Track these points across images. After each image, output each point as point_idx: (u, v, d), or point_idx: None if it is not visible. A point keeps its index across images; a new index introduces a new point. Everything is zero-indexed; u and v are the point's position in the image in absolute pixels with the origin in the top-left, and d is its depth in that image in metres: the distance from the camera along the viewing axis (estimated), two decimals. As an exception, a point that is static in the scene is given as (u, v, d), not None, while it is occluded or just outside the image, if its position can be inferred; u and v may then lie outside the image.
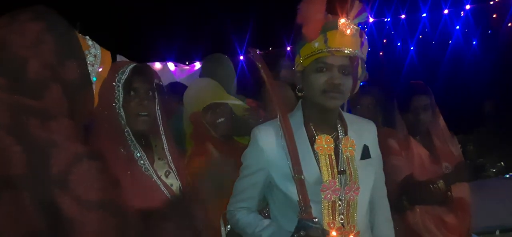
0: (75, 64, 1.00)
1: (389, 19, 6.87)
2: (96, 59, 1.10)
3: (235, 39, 6.72)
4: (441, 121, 2.35)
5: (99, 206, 0.88)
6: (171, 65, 5.94)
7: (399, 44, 7.52)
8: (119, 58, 5.29)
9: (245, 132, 2.08)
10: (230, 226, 1.76)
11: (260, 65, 1.48)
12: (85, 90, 1.03)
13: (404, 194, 1.73)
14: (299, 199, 1.37)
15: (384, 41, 7.42)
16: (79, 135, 0.94)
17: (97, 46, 1.11)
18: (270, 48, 7.08)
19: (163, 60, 6.03)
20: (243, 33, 6.55)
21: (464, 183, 2.23)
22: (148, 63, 5.82)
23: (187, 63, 6.53)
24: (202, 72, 2.51)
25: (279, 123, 1.48)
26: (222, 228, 1.80)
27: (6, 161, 0.82)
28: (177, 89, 2.87)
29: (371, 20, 6.42)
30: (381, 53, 7.23)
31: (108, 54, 1.15)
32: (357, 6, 1.46)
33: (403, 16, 6.75)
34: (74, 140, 0.90)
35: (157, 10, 6.81)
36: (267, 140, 1.52)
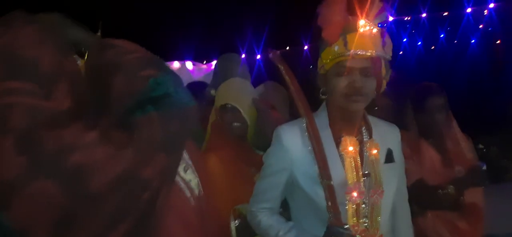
0: (72, 56, 1.01)
1: (410, 18, 6.77)
2: (77, 56, 1.11)
3: (253, 38, 6.72)
4: (454, 123, 2.30)
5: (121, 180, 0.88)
6: (189, 64, 5.99)
7: (419, 43, 7.40)
8: (138, 57, 5.37)
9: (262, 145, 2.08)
10: (241, 222, 1.78)
11: (282, 67, 1.47)
12: (82, 80, 1.03)
13: (414, 199, 1.71)
14: (328, 204, 1.36)
15: (404, 40, 7.31)
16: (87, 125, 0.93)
17: None
18: (287, 47, 7.07)
19: (181, 59, 6.08)
20: (261, 32, 6.54)
21: (478, 188, 2.17)
22: (167, 62, 5.93)
23: (204, 62, 6.58)
24: (215, 71, 2.56)
25: (304, 125, 1.47)
26: (232, 223, 1.80)
27: (6, 167, 0.82)
28: (194, 88, 2.88)
29: (390, 19, 6.34)
30: (400, 52, 7.14)
31: None
32: (377, 6, 1.43)
33: (424, 15, 6.65)
34: (84, 130, 0.89)
35: (175, 10, 6.87)
36: (291, 140, 1.50)
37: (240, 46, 6.26)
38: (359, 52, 1.39)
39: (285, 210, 1.65)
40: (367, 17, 1.42)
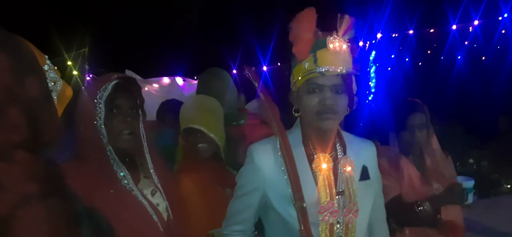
0: (35, 79, 0.92)
1: (397, 35, 6.87)
2: (57, 78, 1.03)
3: (243, 54, 6.74)
4: (435, 141, 2.29)
5: None
6: (179, 80, 5.96)
7: (407, 59, 7.49)
8: (128, 73, 5.35)
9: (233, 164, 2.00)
10: None
11: (256, 84, 1.46)
12: (48, 107, 0.96)
13: (391, 216, 1.70)
14: (301, 228, 1.34)
15: (392, 56, 7.39)
16: (36, 168, 0.86)
17: (53, 69, 1.05)
18: (279, 63, 7.10)
19: (171, 74, 6.05)
20: (251, 48, 6.56)
21: (456, 206, 2.17)
22: (157, 78, 5.89)
23: (195, 77, 6.55)
24: (198, 87, 2.43)
25: (278, 144, 1.45)
26: None
27: None
28: (170, 106, 2.79)
29: (379, 35, 6.43)
30: (389, 68, 7.23)
31: (64, 83, 1.09)
32: (346, 22, 1.41)
33: (411, 32, 6.75)
34: (24, 179, 0.82)
35: (166, 26, 6.87)
36: (264, 158, 1.46)
37: (231, 62, 6.28)
38: (329, 69, 1.37)
39: (260, 233, 1.61)
40: (336, 33, 1.40)
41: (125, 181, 1.55)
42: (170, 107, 2.20)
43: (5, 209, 0.78)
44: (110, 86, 1.56)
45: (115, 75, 1.61)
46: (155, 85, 5.76)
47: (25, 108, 0.86)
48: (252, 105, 2.61)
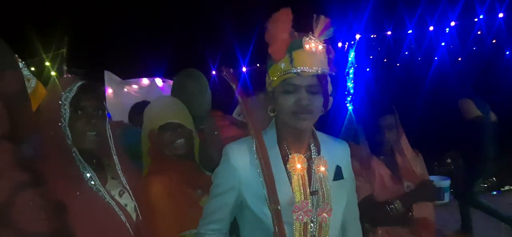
0: (14, 75, 0.94)
1: (375, 36, 6.96)
2: (31, 76, 1.04)
3: (223, 55, 6.73)
4: (404, 140, 2.33)
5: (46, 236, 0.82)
6: (158, 81, 5.90)
7: (385, 60, 7.60)
8: (107, 74, 5.28)
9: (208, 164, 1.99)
10: None
11: (234, 86, 1.46)
12: (25, 102, 0.98)
13: (364, 216, 1.73)
14: (275, 230, 1.35)
15: (371, 57, 7.48)
16: (21, 158, 0.87)
17: (26, 68, 1.05)
18: (258, 65, 7.11)
19: (151, 75, 5.99)
20: (232, 49, 6.56)
21: (428, 203, 2.21)
22: (136, 79, 5.82)
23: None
24: (173, 88, 2.39)
25: (254, 145, 1.45)
26: None
27: None
28: (142, 108, 2.76)
29: (357, 36, 6.50)
30: (367, 69, 7.31)
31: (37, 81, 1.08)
32: (322, 23, 1.42)
33: (389, 33, 6.85)
34: (15, 167, 0.83)
35: (145, 27, 6.80)
36: (239, 158, 1.46)
37: (211, 63, 6.26)
38: (305, 70, 1.37)
39: (234, 232, 1.61)
40: (312, 34, 1.41)
41: (92, 182, 1.55)
42: (143, 109, 2.18)
43: (3, 197, 0.79)
44: (75, 88, 1.56)
45: (80, 77, 1.61)
46: (134, 86, 5.69)
47: (5, 101, 0.87)
48: (237, 110, 2.60)
